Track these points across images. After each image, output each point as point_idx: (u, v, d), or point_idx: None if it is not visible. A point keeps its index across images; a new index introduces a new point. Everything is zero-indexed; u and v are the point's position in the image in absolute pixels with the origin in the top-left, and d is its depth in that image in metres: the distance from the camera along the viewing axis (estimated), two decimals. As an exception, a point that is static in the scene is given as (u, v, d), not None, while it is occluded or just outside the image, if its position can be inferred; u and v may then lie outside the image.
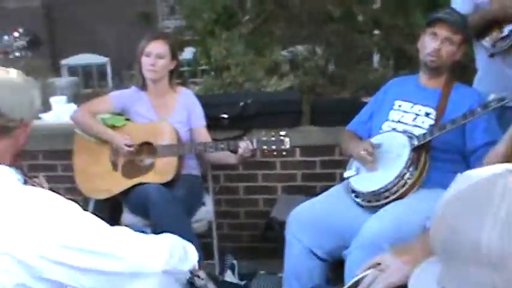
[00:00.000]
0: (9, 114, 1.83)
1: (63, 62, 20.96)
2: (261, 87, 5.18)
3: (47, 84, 4.89)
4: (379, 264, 1.80)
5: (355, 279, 1.75)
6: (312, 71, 6.22)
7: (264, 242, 3.79)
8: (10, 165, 1.89)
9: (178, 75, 3.76)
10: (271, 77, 5.53)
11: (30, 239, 1.74)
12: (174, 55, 3.59)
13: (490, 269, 1.05)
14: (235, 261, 3.66)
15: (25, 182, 1.92)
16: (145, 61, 3.52)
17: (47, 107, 4.54)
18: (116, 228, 1.91)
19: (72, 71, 20.65)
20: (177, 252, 1.98)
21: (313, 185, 4.01)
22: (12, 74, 1.92)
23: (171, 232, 3.16)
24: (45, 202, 1.82)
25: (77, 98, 4.73)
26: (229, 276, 3.59)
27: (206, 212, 3.61)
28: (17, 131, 1.89)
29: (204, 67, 6.73)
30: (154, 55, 3.50)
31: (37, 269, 1.76)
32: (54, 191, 1.89)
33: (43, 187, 2.00)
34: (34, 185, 1.97)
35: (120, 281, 1.86)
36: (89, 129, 3.60)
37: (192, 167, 3.65)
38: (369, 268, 1.79)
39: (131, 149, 3.49)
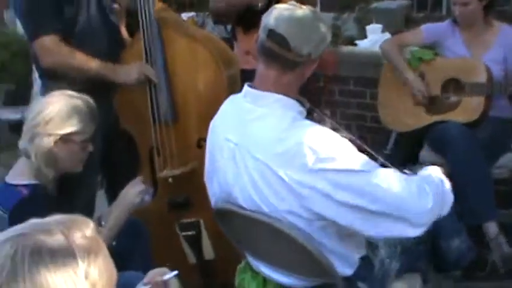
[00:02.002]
0: (297, 49, 1.87)
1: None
2: None
3: (371, 10, 4.86)
4: None
5: None
6: None
7: None
8: (295, 98, 1.96)
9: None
10: None
11: (305, 171, 1.81)
12: None
13: None
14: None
15: (308, 115, 1.98)
16: (453, 7, 3.36)
17: (363, 34, 4.58)
18: (388, 171, 1.89)
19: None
20: (437, 205, 1.94)
21: None
22: (305, 10, 1.94)
23: (466, 175, 3.07)
24: (325, 138, 1.86)
25: (408, 22, 4.64)
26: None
27: (510, 159, 3.35)
28: (304, 66, 1.93)
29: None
30: (459, 4, 3.31)
31: (307, 200, 1.83)
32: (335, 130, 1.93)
33: (325, 123, 2.03)
34: (318, 120, 2.01)
35: (383, 222, 1.86)
36: (392, 62, 3.57)
37: (502, 109, 3.40)
38: None
39: (422, 99, 3.41)
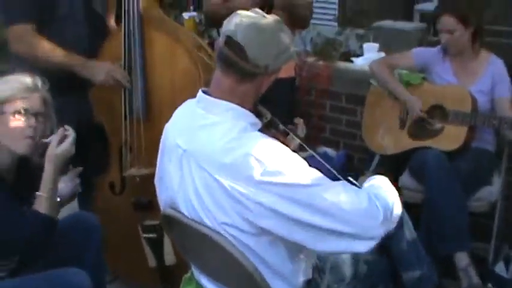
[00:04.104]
0: (254, 60, 1.80)
1: (417, 7, 20.75)
2: None
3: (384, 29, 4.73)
4: None
5: None
6: None
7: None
8: (250, 110, 1.89)
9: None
10: None
11: (251, 183, 1.75)
12: (466, 23, 3.21)
13: None
14: (512, 254, 3.30)
15: (261, 129, 1.91)
16: (440, 35, 3.30)
17: (360, 51, 4.51)
18: (338, 185, 1.84)
19: (425, 17, 20.30)
20: (386, 218, 1.88)
21: None
22: (268, 19, 1.86)
23: (441, 204, 3.00)
24: (274, 151, 1.80)
25: (421, 45, 4.55)
26: (500, 268, 3.25)
27: (490, 192, 3.27)
28: (261, 78, 1.86)
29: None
30: (445, 31, 3.25)
31: (252, 214, 1.77)
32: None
33: (279, 138, 1.96)
34: (272, 134, 1.94)
35: (330, 236, 1.81)
36: (383, 83, 3.52)
37: (485, 141, 3.33)
38: None
39: (423, 115, 3.34)
